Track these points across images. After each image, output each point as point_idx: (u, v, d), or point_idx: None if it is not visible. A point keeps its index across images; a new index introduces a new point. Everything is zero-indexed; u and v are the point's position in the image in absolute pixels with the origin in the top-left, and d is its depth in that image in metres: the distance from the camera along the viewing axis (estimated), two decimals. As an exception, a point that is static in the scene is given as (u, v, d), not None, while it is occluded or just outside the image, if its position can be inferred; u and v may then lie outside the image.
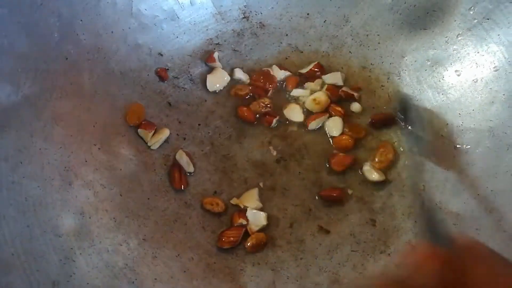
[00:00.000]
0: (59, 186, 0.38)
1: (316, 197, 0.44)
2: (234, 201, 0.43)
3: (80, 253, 0.36)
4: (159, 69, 0.46)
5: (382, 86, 0.49)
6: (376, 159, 0.44)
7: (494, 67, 0.43)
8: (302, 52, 0.50)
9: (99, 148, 0.42)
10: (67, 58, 0.41)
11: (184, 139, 0.46)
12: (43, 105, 0.39)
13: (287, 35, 0.50)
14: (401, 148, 0.46)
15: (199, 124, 0.47)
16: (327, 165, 0.45)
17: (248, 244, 0.41)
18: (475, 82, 0.44)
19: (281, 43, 0.50)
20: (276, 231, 0.43)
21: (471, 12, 0.44)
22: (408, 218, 0.43)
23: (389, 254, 0.42)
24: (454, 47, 0.46)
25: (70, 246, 0.36)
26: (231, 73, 0.49)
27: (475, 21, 0.44)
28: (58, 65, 0.41)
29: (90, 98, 0.43)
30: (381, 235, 0.43)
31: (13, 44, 0.37)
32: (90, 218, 0.39)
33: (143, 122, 0.45)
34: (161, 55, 0.48)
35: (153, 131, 0.44)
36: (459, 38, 0.46)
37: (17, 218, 0.34)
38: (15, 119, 0.37)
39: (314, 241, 0.43)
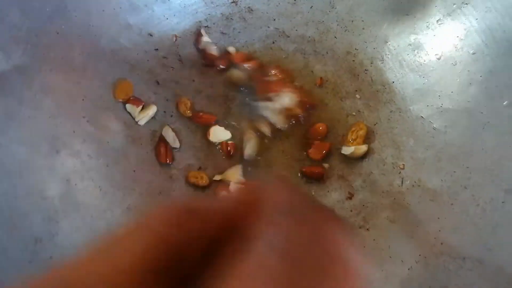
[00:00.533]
0: (47, 153, 0.39)
1: (299, 174, 0.45)
2: (217, 177, 0.45)
3: (64, 216, 0.37)
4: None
5: (365, 70, 0.50)
6: (350, 139, 0.45)
7: (472, 51, 0.45)
8: (289, 36, 0.52)
9: (87, 121, 0.43)
10: (58, 33, 0.43)
11: (171, 116, 0.47)
12: (33, 75, 0.40)
13: (274, 20, 0.52)
14: (379, 128, 0.47)
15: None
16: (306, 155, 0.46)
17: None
18: (454, 65, 0.46)
19: (269, 27, 0.52)
20: (258, 206, 0.44)
21: (451, -2, 0.46)
22: (387, 196, 0.44)
23: (367, 229, 0.43)
24: (435, 32, 0.47)
25: (54, 208, 0.37)
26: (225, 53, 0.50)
27: (454, 6, 0.46)
28: (49, 39, 0.42)
29: (80, 72, 0.44)
30: (360, 211, 0.44)
31: (5, 16, 0.39)
32: (75, 185, 0.40)
33: (131, 98, 0.46)
34: (151, 35, 0.49)
35: (141, 107, 0.46)
36: (440, 23, 0.47)
37: (3, 178, 0.35)
38: (4, 85, 0.38)
39: (294, 216, 0.44)
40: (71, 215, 0.38)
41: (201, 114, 0.47)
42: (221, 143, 0.45)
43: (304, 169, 0.45)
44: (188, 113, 0.47)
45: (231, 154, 0.45)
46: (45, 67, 0.41)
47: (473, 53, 0.45)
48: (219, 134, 0.45)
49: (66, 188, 0.39)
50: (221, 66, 0.50)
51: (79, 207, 0.39)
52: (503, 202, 0.38)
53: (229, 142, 0.45)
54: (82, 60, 0.44)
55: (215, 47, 0.50)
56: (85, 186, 0.40)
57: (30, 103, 0.39)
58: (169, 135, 0.45)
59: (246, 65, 0.49)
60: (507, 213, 0.37)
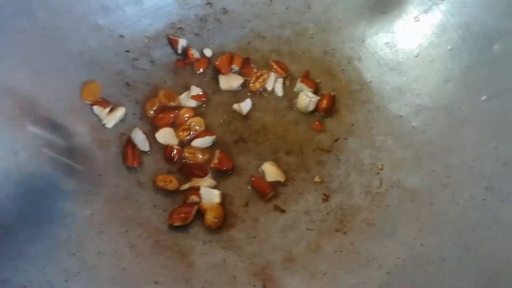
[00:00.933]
0: (3, 156, 0.37)
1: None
2: (186, 185, 0.42)
3: (20, 224, 0.35)
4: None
5: (343, 70, 0.49)
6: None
7: (450, 47, 0.43)
8: (264, 37, 0.51)
9: (51, 123, 0.41)
10: (21, 32, 0.41)
11: (141, 118, 0.46)
12: (-7, 73, 0.39)
13: (250, 21, 0.51)
14: (357, 128, 0.45)
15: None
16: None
17: (208, 218, 0.40)
18: (431, 62, 0.44)
19: (244, 28, 0.51)
20: (231, 210, 0.42)
21: (427, -6, 0.45)
22: (365, 197, 0.42)
23: (344, 232, 0.40)
24: (412, 29, 0.46)
25: (9, 211, 0.35)
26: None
27: (431, 2, 0.45)
28: (12, 37, 0.41)
29: (45, 73, 0.42)
30: (337, 214, 0.42)
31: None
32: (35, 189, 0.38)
33: (99, 100, 0.44)
34: (122, 37, 0.48)
35: (108, 109, 0.44)
36: (416, 20, 0.46)
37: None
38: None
39: (268, 220, 0.42)
40: (29, 222, 0.36)
41: (160, 115, 0.45)
42: (165, 146, 0.43)
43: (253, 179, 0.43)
44: (151, 114, 0.45)
45: (173, 160, 0.43)
46: (6, 65, 0.40)
47: (450, 49, 0.43)
48: (166, 136, 0.44)
49: (24, 191, 0.37)
50: (201, 70, 0.48)
51: (37, 214, 0.37)
52: (483, 200, 0.36)
53: (176, 147, 0.43)
54: (48, 61, 0.43)
55: (195, 50, 0.49)
56: (45, 190, 0.38)
57: (-12, 103, 0.38)
58: (138, 138, 0.44)
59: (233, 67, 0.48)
60: (488, 210, 0.35)
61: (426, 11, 0.45)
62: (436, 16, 0.44)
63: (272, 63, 0.49)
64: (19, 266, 0.33)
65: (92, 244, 0.37)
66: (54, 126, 0.41)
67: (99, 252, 0.37)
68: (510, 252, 0.32)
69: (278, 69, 0.48)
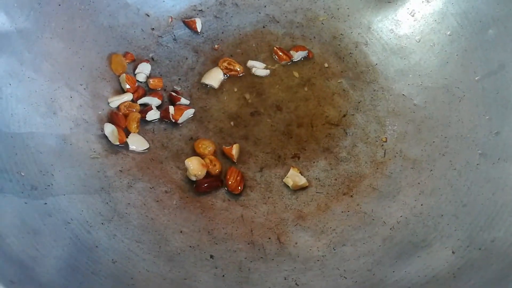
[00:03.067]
0: (44, 113, 0.41)
1: (288, 147, 0.47)
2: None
3: (59, 170, 0.38)
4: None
5: (350, 53, 0.53)
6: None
7: (449, 32, 0.48)
8: (278, 22, 0.55)
9: (84, 88, 0.45)
10: (59, 5, 0.45)
11: (165, 90, 0.49)
12: (35, 40, 0.42)
13: (265, 6, 0.55)
14: (363, 105, 0.49)
15: (179, 79, 0.50)
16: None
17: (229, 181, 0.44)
18: (432, 46, 0.49)
19: (259, 13, 0.55)
20: (247, 175, 0.46)
21: (429, -15, 0.50)
22: (370, 166, 0.46)
23: (351, 196, 0.44)
24: (415, 17, 0.51)
25: (50, 162, 0.38)
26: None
27: (432, -8, 0.49)
28: (51, 9, 0.44)
29: (79, 43, 0.46)
30: (344, 180, 0.45)
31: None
32: (71, 145, 0.41)
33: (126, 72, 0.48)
34: (148, 15, 0.51)
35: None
36: (419, 9, 0.50)
37: (2, 128, 0.36)
38: (7, 45, 0.39)
39: (281, 184, 0.45)
40: (66, 170, 0.39)
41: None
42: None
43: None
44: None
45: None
46: (46, 34, 0.43)
47: (450, 34, 0.48)
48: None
49: (61, 146, 0.40)
50: (216, 46, 0.52)
51: (73, 165, 0.40)
52: (477, 164, 0.40)
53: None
54: (82, 32, 0.46)
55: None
56: (79, 147, 0.42)
57: (30, 65, 0.41)
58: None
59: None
60: (481, 172, 0.40)
61: (428, 1, 0.50)
62: (437, 4, 0.49)
63: (276, 49, 0.53)
64: (62, 206, 0.36)
65: (123, 196, 0.41)
66: (86, 91, 0.45)
67: (129, 203, 0.40)
68: (499, 203, 0.37)
69: (283, 56, 0.52)
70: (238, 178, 0.44)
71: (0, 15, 0.39)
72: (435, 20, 0.49)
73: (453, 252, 0.35)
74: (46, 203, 0.35)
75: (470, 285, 0.31)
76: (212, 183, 0.44)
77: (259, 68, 0.51)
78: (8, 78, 0.39)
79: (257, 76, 0.51)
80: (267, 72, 0.51)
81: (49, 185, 0.36)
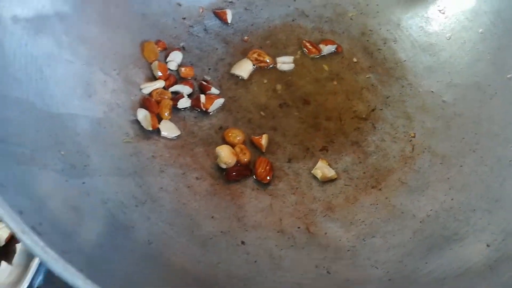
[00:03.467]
0: (80, 95, 0.41)
1: (316, 139, 0.47)
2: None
3: (95, 152, 0.39)
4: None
5: (379, 49, 0.53)
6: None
7: (481, 30, 0.48)
8: (307, 16, 0.55)
9: (117, 73, 0.45)
10: (96, -10, 0.45)
11: (195, 79, 0.50)
12: (72, 24, 0.43)
13: (294, 0, 0.55)
14: (392, 101, 0.50)
15: (209, 68, 0.51)
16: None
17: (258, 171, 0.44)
18: (463, 43, 0.49)
19: (289, 6, 0.55)
20: (275, 165, 0.46)
21: (461, -17, 0.50)
22: (398, 160, 0.46)
23: (380, 189, 0.44)
24: (446, 14, 0.51)
25: (86, 144, 0.39)
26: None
27: (464, -10, 0.50)
28: (88, -6, 0.45)
29: (113, 29, 0.46)
30: (373, 174, 0.46)
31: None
32: (105, 128, 0.42)
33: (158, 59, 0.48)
34: (179, 5, 0.52)
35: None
36: (450, 7, 0.51)
37: (42, 108, 0.37)
38: (47, 28, 0.40)
39: (309, 175, 0.45)
40: (100, 153, 0.39)
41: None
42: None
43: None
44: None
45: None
46: (82, 19, 0.44)
47: (482, 32, 0.48)
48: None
49: (96, 129, 0.41)
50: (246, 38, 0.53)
51: (107, 148, 0.40)
52: (510, 161, 0.41)
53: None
54: (116, 19, 0.47)
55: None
56: (113, 131, 0.42)
57: (68, 48, 0.42)
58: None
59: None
60: (515, 168, 0.40)
61: (459, -2, 0.50)
62: (469, 2, 0.49)
63: (305, 42, 0.53)
64: (98, 186, 0.36)
65: (155, 181, 0.41)
66: (119, 76, 0.45)
67: (161, 188, 0.41)
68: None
69: (312, 49, 0.53)
70: (268, 167, 0.44)
71: (41, -2, 0.40)
72: (466, 18, 0.49)
73: (487, 245, 0.35)
74: (84, 183, 0.35)
75: (508, 277, 0.31)
76: (241, 171, 0.44)
77: (285, 63, 0.52)
78: (47, 59, 0.39)
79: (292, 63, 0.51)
80: (291, 66, 0.51)
81: (86, 166, 0.37)
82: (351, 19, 0.55)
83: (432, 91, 0.49)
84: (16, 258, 0.41)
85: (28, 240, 0.24)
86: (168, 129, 0.45)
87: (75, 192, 0.33)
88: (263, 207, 0.43)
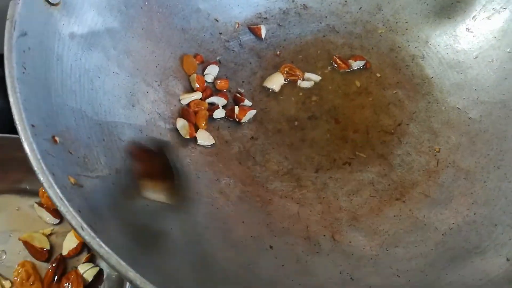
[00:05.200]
0: (125, 105, 0.45)
1: (343, 151, 0.50)
2: None
3: (138, 158, 0.42)
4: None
5: (407, 66, 0.55)
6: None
7: (509, 49, 0.49)
8: (338, 32, 0.57)
9: (158, 85, 0.49)
10: (141, 8, 0.49)
11: (229, 91, 0.53)
12: (119, 39, 0.46)
13: (326, 17, 0.58)
14: (418, 116, 0.51)
15: (243, 81, 0.54)
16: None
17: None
18: (491, 62, 0.50)
19: (320, 23, 0.58)
20: (303, 175, 0.48)
21: (491, 3, 0.51)
22: (423, 174, 0.48)
23: (403, 201, 0.46)
24: (474, 33, 0.52)
25: (129, 150, 0.42)
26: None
27: (493, 10, 0.51)
28: (134, 11, 0.48)
29: (155, 43, 0.50)
30: (397, 186, 0.47)
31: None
32: (146, 135, 0.45)
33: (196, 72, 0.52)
34: (217, 20, 0.55)
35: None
36: (479, 26, 0.52)
37: (92, 116, 0.40)
38: (98, 43, 0.44)
39: (336, 186, 0.48)
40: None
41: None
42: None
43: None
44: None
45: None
46: (128, 34, 0.47)
47: (509, 52, 0.49)
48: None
49: (139, 136, 0.44)
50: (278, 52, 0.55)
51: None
52: (534, 179, 0.42)
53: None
54: (158, 33, 0.50)
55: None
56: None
57: (115, 61, 0.45)
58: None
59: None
60: (539, 186, 0.41)
61: (488, 18, 0.51)
62: (498, 22, 0.50)
63: (335, 58, 0.55)
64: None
65: (192, 186, 0.44)
66: (160, 87, 0.49)
67: (197, 192, 0.44)
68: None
69: (342, 64, 0.55)
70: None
71: (94, 15, 0.44)
72: (495, 37, 0.51)
73: (507, 260, 0.36)
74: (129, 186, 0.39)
75: (526, 291, 0.33)
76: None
77: (309, 80, 0.54)
78: (98, 72, 0.43)
79: (315, 82, 0.54)
80: (311, 84, 0.54)
81: (129, 170, 0.40)
82: (380, 35, 0.57)
83: (458, 108, 0.51)
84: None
85: (86, 236, 0.27)
86: (204, 138, 0.48)
87: (122, 196, 0.37)
88: (290, 214, 0.45)
